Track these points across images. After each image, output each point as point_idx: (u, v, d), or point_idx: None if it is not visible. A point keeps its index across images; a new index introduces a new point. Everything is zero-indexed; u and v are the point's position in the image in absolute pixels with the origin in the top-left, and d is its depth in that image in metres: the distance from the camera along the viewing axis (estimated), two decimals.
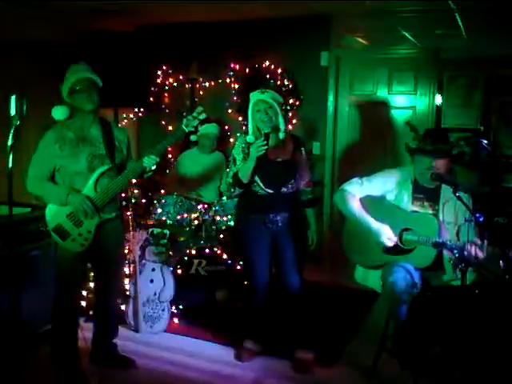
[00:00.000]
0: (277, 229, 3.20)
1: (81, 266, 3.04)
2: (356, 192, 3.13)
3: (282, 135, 3.21)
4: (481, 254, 2.69)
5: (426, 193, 3.06)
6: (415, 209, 3.06)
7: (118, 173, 2.97)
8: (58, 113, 2.88)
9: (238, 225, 3.39)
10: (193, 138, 4.76)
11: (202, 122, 2.99)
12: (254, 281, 3.31)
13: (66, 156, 2.86)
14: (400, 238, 3.01)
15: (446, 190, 2.98)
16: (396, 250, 3.01)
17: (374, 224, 3.02)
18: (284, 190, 3.18)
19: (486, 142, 4.29)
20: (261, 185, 3.16)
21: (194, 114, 2.96)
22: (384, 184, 3.12)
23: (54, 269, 3.00)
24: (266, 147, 2.99)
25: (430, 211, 3.04)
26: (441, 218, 2.98)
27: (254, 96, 3.19)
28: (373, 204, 3.11)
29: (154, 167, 2.96)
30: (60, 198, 2.85)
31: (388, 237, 2.98)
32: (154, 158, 2.93)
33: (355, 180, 3.19)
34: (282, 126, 3.20)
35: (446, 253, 2.91)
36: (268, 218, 3.18)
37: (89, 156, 2.89)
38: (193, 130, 3.00)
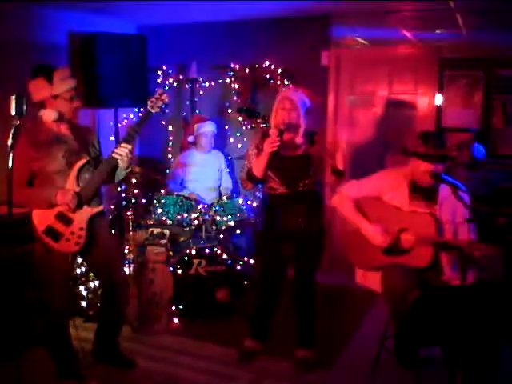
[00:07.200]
0: (298, 231, 3.18)
1: (70, 268, 3.02)
2: (352, 194, 3.14)
3: (299, 139, 3.15)
4: (480, 254, 2.69)
5: (423, 192, 3.05)
6: (413, 208, 3.06)
7: (96, 166, 2.96)
8: (51, 115, 2.85)
9: (261, 227, 3.39)
10: (190, 138, 4.75)
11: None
12: (264, 281, 3.34)
13: (42, 157, 2.83)
14: (398, 239, 3.01)
15: (443, 189, 2.98)
16: (395, 251, 3.01)
17: (368, 226, 3.04)
18: (301, 186, 3.16)
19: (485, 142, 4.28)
20: (276, 180, 3.16)
21: (157, 96, 2.92)
22: (381, 185, 3.12)
23: (42, 272, 2.94)
24: (278, 143, 2.98)
25: (428, 211, 3.04)
26: (439, 217, 2.98)
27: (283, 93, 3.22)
28: (370, 205, 3.11)
29: (124, 153, 2.89)
30: (49, 199, 2.81)
31: (382, 239, 2.99)
32: (125, 146, 2.90)
33: (351, 182, 3.19)
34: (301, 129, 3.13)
35: (444, 252, 2.91)
36: (289, 220, 3.17)
37: (65, 153, 2.88)
38: (158, 111, 2.94)
